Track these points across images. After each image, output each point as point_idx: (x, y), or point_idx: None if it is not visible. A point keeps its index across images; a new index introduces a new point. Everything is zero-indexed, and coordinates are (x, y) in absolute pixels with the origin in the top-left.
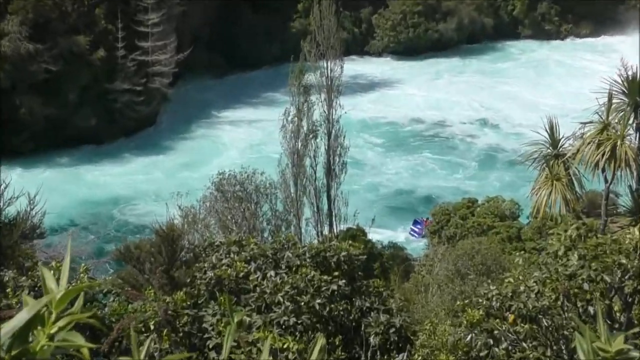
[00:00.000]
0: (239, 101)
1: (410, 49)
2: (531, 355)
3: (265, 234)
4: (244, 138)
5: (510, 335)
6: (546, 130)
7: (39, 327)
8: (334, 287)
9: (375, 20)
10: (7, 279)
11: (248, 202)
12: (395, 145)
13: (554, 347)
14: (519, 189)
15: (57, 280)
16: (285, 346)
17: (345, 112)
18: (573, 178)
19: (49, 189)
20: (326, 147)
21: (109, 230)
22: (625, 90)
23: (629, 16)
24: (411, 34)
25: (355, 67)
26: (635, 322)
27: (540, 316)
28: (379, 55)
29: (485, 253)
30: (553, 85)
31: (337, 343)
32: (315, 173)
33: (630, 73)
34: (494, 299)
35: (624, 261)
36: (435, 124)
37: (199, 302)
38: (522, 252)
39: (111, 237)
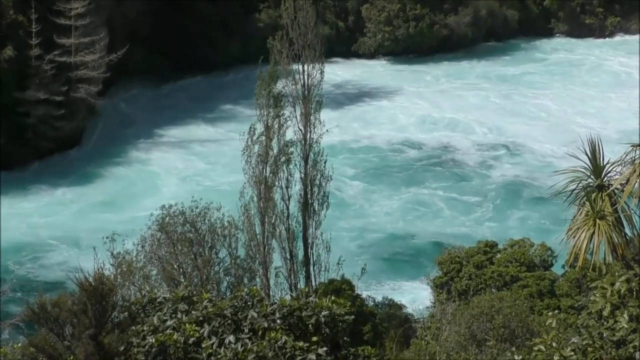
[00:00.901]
0: (189, 115)
1: (411, 49)
2: None
3: (223, 288)
4: (196, 163)
5: None
6: (586, 154)
7: None
8: (313, 356)
9: (366, 12)
10: None
11: (200, 246)
12: (388, 175)
13: None
14: (550, 232)
15: None
16: None
17: (327, 131)
18: (622, 216)
19: None
20: (302, 176)
21: (4, 290)
22: None
23: None
24: (412, 30)
25: (340, 72)
26: None
27: None
28: (370, 57)
29: (508, 312)
30: (594, 98)
31: None
32: (287, 209)
33: None
34: None
35: None
36: (441, 149)
37: None
38: (556, 311)
39: (9, 297)
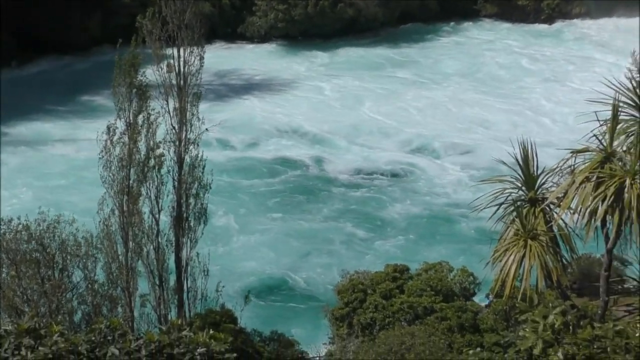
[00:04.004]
0: (36, 108)
1: (310, 32)
2: None
3: (77, 319)
4: (42, 167)
5: None
6: (517, 162)
7: None
8: None
9: None
10: None
11: (49, 268)
12: (271, 193)
13: None
14: (472, 254)
15: None
16: None
17: (207, 130)
18: (558, 235)
19: None
20: (175, 184)
21: None
22: (638, 102)
23: None
24: (311, 9)
25: (223, 58)
26: None
27: None
28: (260, 41)
29: (421, 350)
30: (524, 95)
31: None
32: (157, 224)
33: None
34: None
35: None
36: (338, 153)
37: None
38: (479, 349)
39: None
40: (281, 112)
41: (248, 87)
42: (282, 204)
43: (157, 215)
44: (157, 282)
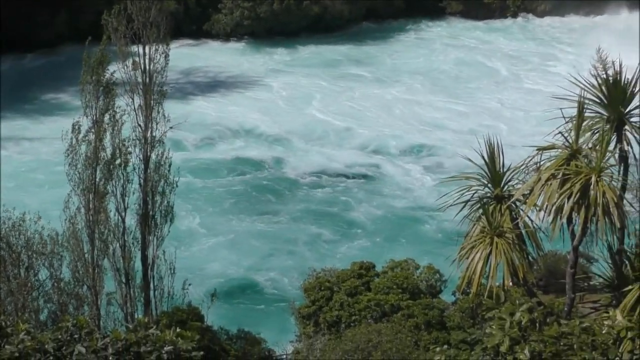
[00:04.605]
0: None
1: (276, 30)
2: None
3: (44, 317)
4: (5, 166)
5: None
6: (483, 159)
7: None
8: None
9: None
10: None
11: (15, 267)
12: (231, 194)
13: None
14: (438, 255)
15: None
16: None
17: (171, 128)
18: (524, 232)
19: None
20: (141, 182)
21: None
22: (604, 99)
23: None
24: (277, 6)
25: (189, 56)
26: None
27: None
28: (226, 39)
29: (388, 348)
30: (484, 94)
31: None
32: (123, 222)
33: (611, 72)
34: None
35: None
36: (298, 153)
37: None
38: (445, 346)
39: None
40: (239, 111)
41: (211, 86)
42: (243, 205)
43: (123, 213)
44: (124, 280)
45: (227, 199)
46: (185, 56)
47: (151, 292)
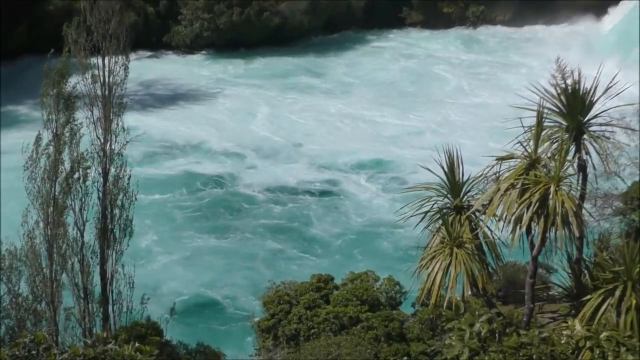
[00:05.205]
0: None
1: (236, 41)
2: None
3: (1, 333)
4: None
5: None
6: (443, 169)
7: None
8: None
9: None
10: None
11: None
12: (186, 210)
13: None
14: (397, 270)
15: None
16: None
17: (127, 142)
18: (483, 243)
19: None
20: (100, 195)
21: None
22: (563, 109)
23: None
24: (237, 18)
25: (148, 68)
26: None
27: None
28: (186, 50)
29: None
30: (443, 104)
31: None
32: (82, 236)
33: (570, 82)
34: None
35: None
36: (251, 169)
37: None
38: (405, 358)
39: None
40: (190, 125)
41: (174, 97)
42: (197, 222)
43: (82, 228)
44: (82, 295)
45: (179, 215)
46: (145, 68)
47: (110, 307)
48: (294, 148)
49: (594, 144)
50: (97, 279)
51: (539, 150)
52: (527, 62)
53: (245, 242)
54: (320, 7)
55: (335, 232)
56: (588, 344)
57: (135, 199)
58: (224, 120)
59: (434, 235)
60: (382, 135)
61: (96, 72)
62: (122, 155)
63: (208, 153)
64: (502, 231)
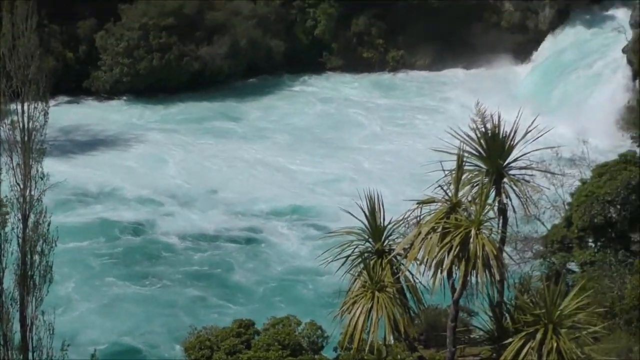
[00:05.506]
0: None
1: (156, 86)
2: None
3: None
4: None
5: None
6: (364, 213)
7: None
8: None
9: (101, 40)
10: None
11: None
12: (102, 257)
13: None
14: (320, 316)
15: None
16: None
17: (47, 189)
18: (405, 286)
19: None
20: (19, 242)
21: None
22: (483, 153)
23: (488, 40)
24: (156, 63)
25: (68, 114)
26: None
27: None
28: (107, 96)
29: None
30: (366, 149)
31: None
32: (1, 283)
33: (489, 126)
34: None
35: None
36: (167, 216)
37: None
38: None
39: None
40: (103, 172)
41: (94, 143)
42: (117, 269)
43: (1, 274)
44: (2, 342)
45: (97, 263)
46: (65, 114)
47: (30, 355)
48: (209, 195)
49: (514, 188)
50: (17, 326)
51: (460, 194)
52: (444, 106)
53: (164, 289)
54: (241, 52)
55: (255, 279)
56: None
57: (55, 245)
58: (137, 167)
59: (356, 279)
60: (299, 181)
61: (15, 118)
62: (41, 202)
63: (123, 200)
64: (423, 275)
